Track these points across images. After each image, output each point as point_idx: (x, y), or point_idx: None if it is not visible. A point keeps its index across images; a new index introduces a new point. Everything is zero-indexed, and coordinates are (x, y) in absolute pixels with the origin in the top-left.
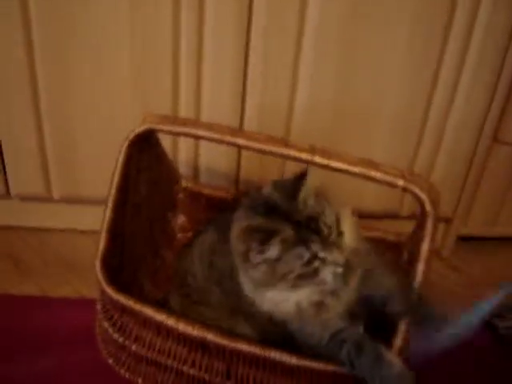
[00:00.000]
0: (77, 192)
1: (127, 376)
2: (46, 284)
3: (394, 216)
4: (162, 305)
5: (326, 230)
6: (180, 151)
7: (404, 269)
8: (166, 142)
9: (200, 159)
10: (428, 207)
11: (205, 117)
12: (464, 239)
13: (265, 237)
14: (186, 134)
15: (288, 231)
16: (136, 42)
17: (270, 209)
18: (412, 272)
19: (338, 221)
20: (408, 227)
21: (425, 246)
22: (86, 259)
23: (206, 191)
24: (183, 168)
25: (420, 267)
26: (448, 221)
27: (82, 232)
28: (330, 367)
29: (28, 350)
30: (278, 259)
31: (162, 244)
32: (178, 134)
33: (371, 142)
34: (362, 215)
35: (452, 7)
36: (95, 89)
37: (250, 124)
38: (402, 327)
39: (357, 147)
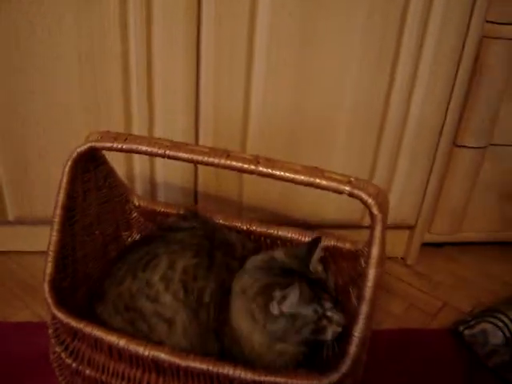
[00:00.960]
0: (32, 213)
1: None
2: (4, 309)
3: (356, 226)
4: None
5: (333, 292)
6: (135, 167)
7: None
8: (120, 157)
9: (156, 174)
10: (375, 211)
11: (159, 129)
12: (428, 245)
13: (285, 286)
14: (129, 151)
15: (304, 286)
16: (83, 53)
17: (285, 270)
18: (365, 279)
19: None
20: None
21: (374, 251)
22: None
23: (160, 209)
24: (139, 184)
25: (371, 273)
26: (411, 228)
27: (41, 253)
28: (286, 380)
29: None
30: (294, 315)
31: None
32: (120, 151)
33: (330, 148)
34: (324, 225)
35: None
36: (46, 108)
37: (205, 138)
38: (356, 336)
39: (316, 153)
